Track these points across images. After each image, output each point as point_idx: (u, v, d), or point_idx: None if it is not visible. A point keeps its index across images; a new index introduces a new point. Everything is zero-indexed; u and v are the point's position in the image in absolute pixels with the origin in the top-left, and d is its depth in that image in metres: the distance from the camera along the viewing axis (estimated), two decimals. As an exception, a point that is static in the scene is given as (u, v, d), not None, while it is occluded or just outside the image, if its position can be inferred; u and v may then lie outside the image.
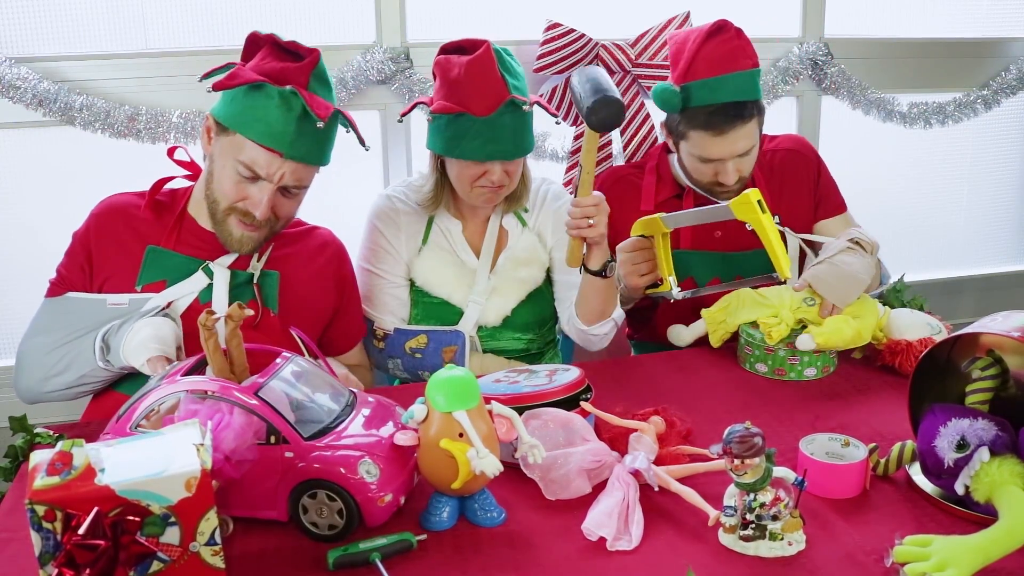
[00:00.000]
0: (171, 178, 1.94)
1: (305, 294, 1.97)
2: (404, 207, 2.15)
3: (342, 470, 1.35)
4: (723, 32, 2.08)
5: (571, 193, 1.89)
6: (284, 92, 1.74)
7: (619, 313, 2.10)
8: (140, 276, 1.84)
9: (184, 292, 1.84)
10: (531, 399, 1.57)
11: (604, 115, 1.73)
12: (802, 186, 2.30)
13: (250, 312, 1.63)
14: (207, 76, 1.77)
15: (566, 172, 2.79)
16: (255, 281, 1.90)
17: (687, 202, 2.23)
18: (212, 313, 1.51)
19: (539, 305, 2.18)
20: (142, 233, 1.87)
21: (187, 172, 1.95)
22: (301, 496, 1.37)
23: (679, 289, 1.98)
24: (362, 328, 2.13)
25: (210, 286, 1.86)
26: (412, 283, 2.15)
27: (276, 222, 1.86)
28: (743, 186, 2.18)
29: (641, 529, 1.35)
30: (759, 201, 1.74)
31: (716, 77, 2.05)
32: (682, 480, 1.47)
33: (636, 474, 1.44)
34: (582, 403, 1.58)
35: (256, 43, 1.82)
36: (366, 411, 1.50)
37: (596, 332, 2.09)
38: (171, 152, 1.91)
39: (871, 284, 2.02)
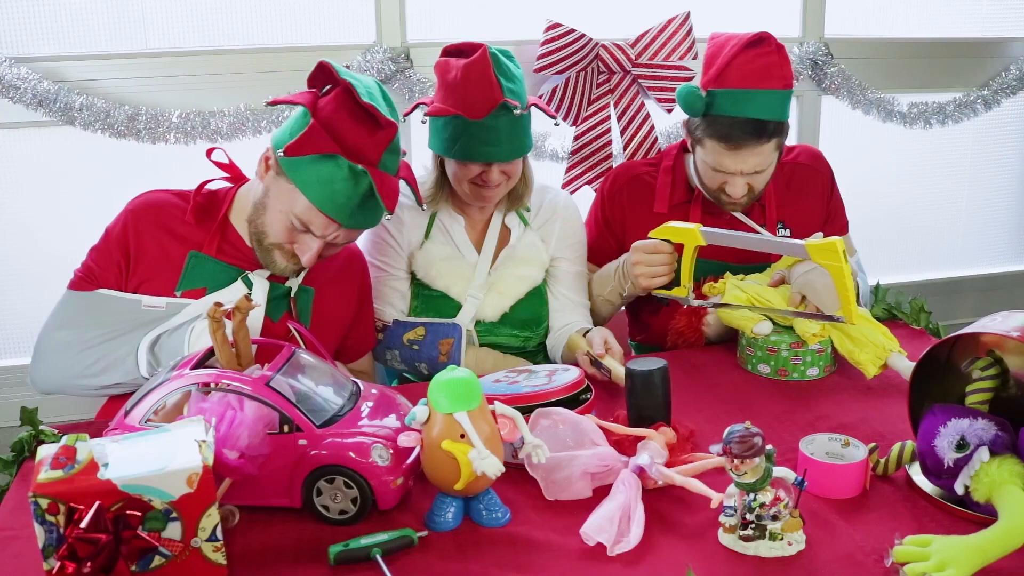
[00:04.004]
0: (211, 180, 1.90)
1: (333, 308, 1.98)
2: (408, 202, 2.15)
3: (355, 455, 1.38)
4: (762, 44, 2.03)
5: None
6: (356, 169, 1.68)
7: None
8: (181, 281, 1.82)
9: (223, 300, 1.78)
10: (531, 399, 1.58)
11: (639, 424, 1.64)
12: (815, 200, 2.30)
13: (257, 304, 1.63)
14: (275, 103, 1.73)
15: (565, 172, 2.79)
16: (292, 295, 1.90)
17: (695, 208, 2.22)
18: (220, 305, 1.51)
19: (537, 304, 2.18)
20: (184, 237, 1.84)
21: (225, 174, 1.92)
22: (315, 482, 1.40)
23: (693, 296, 1.95)
24: (373, 339, 2.14)
25: (249, 296, 1.84)
26: (413, 276, 2.16)
27: (318, 260, 1.84)
28: (752, 200, 2.16)
29: (642, 528, 1.35)
30: (843, 251, 1.73)
31: (744, 90, 2.01)
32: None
33: (640, 473, 1.44)
34: (589, 416, 1.57)
35: (328, 76, 1.71)
36: (370, 402, 1.52)
37: None
38: (209, 153, 1.87)
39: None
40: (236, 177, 1.93)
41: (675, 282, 1.97)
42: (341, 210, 1.71)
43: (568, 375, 1.65)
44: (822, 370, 1.95)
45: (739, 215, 2.21)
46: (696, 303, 1.95)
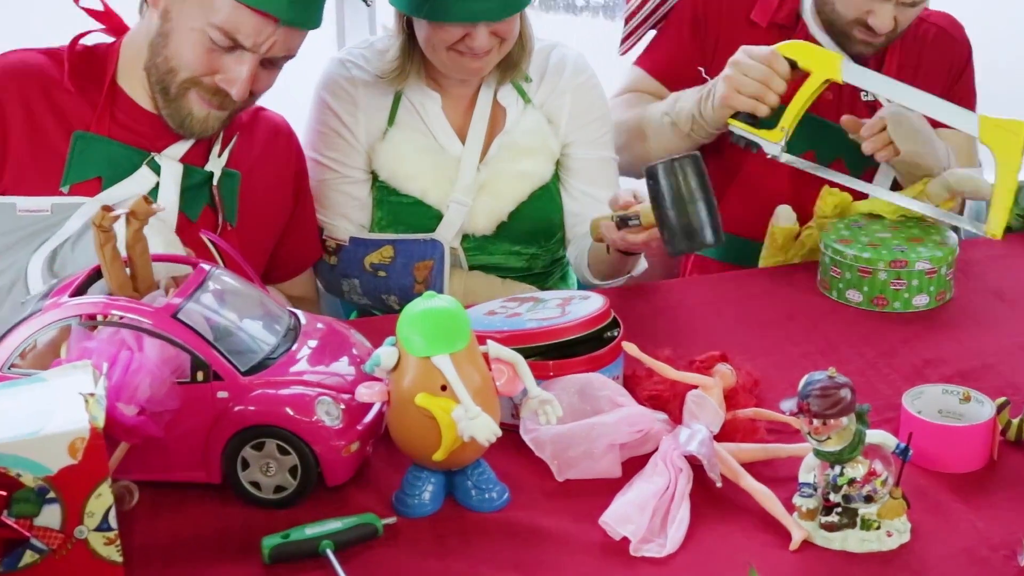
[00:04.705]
0: (86, 33, 1.90)
1: (266, 200, 2.01)
2: (363, 75, 2.14)
3: (294, 412, 1.38)
4: None
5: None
6: None
7: (641, 266, 2.15)
8: (67, 172, 1.81)
9: (126, 194, 1.80)
10: (537, 337, 1.57)
11: (684, 249, 1.78)
12: (939, 76, 2.32)
13: (161, 208, 1.63)
14: None
15: (625, 24, 2.71)
16: (215, 183, 1.91)
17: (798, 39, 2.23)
18: (109, 209, 1.50)
19: (546, 208, 2.19)
20: (64, 111, 1.83)
21: (101, 26, 1.91)
22: (241, 448, 1.39)
23: (783, 147, 1.96)
24: (316, 247, 2.17)
25: (158, 186, 1.85)
26: (375, 177, 2.15)
27: (249, 99, 1.86)
28: (882, 46, 2.21)
29: (683, 532, 1.34)
30: None
31: None
32: (753, 466, 1.44)
33: (692, 458, 1.42)
34: (624, 346, 1.57)
35: None
36: (313, 341, 1.52)
37: (610, 285, 2.15)
38: None
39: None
40: (116, 28, 1.91)
41: (768, 124, 1.99)
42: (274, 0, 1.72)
43: (588, 304, 1.65)
44: (933, 298, 1.94)
45: None
46: (787, 158, 1.97)
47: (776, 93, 1.97)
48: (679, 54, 2.32)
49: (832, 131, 2.19)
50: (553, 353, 1.57)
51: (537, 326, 1.59)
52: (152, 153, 1.85)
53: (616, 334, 1.63)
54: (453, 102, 2.15)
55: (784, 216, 2.10)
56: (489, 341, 1.42)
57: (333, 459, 1.39)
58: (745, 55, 2.00)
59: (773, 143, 1.96)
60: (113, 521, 1.22)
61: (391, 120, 2.13)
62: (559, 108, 2.18)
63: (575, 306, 1.65)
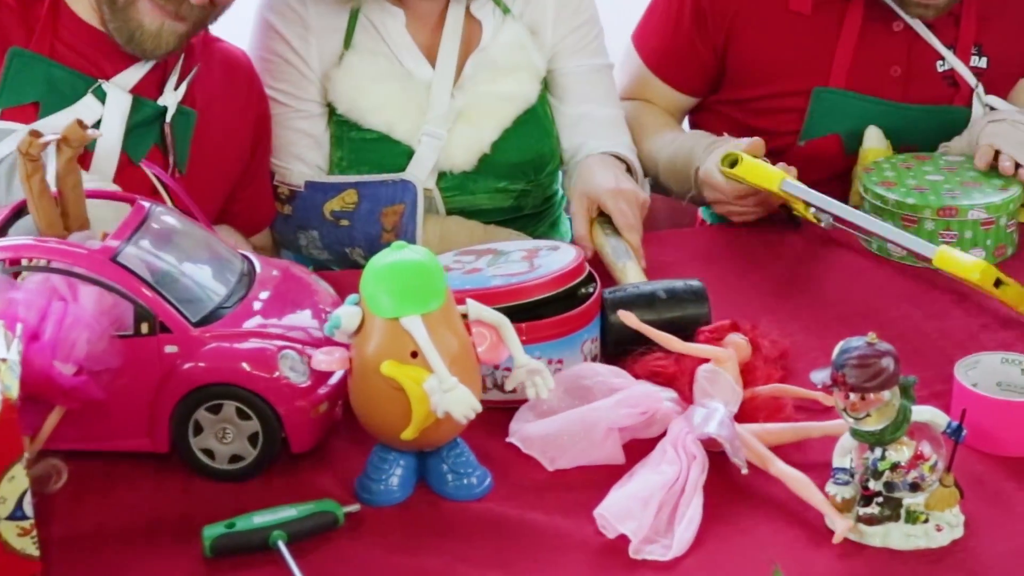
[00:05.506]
0: None
1: (220, 148, 2.03)
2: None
3: (253, 368, 1.40)
4: None
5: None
6: None
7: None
8: None
9: (64, 125, 1.76)
10: (505, 297, 1.57)
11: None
12: None
13: (98, 134, 1.65)
14: None
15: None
16: (167, 120, 1.92)
17: (854, 9, 2.23)
18: (38, 135, 1.50)
19: (534, 135, 2.20)
20: (0, 24, 1.85)
21: None
22: (193, 412, 1.41)
23: (830, 218, 1.95)
24: (272, 204, 2.19)
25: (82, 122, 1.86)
26: (332, 110, 2.15)
27: (213, 10, 1.85)
28: (947, 3, 2.19)
29: (693, 532, 1.33)
30: (999, 280, 1.75)
31: None
32: (779, 450, 1.43)
33: (709, 443, 1.41)
34: (620, 314, 1.57)
35: None
36: (270, 289, 1.55)
37: None
38: None
39: None
40: None
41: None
42: None
43: (559, 257, 1.67)
44: (991, 253, 1.95)
45: (920, 29, 2.24)
46: (827, 223, 1.97)
47: (760, 197, 2.05)
48: (679, 48, 2.33)
49: (899, 113, 2.22)
50: (520, 314, 1.56)
51: (504, 283, 1.60)
52: (99, 80, 1.86)
53: (593, 290, 1.65)
54: (419, 18, 2.14)
55: (875, 137, 2.13)
56: (469, 301, 1.43)
57: (300, 422, 1.41)
58: (709, 190, 2.10)
59: (816, 223, 1.98)
60: (29, 508, 1.21)
61: (347, 42, 2.13)
62: (541, 14, 2.19)
63: (544, 258, 1.66)
